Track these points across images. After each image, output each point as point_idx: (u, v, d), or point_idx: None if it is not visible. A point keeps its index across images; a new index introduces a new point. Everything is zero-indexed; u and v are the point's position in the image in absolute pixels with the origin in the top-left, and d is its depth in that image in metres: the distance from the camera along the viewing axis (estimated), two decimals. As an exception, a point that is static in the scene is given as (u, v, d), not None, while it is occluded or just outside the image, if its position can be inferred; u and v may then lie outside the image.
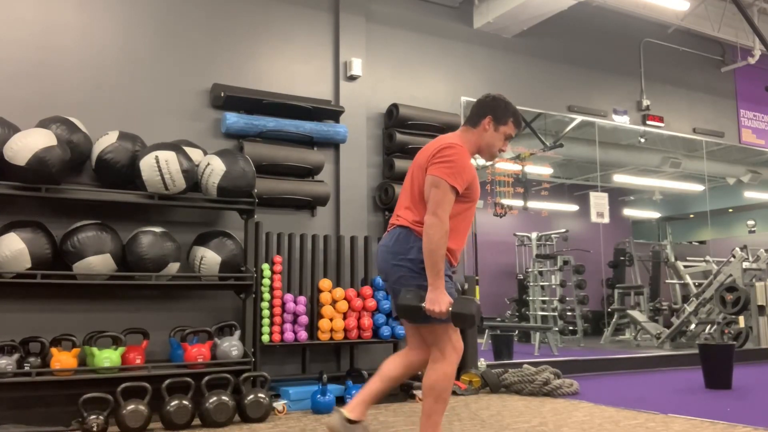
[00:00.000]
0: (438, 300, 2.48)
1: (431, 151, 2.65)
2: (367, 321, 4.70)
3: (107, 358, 3.72)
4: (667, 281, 9.61)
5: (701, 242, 10.21)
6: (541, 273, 8.93)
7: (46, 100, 4.21)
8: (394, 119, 5.45)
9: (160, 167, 3.92)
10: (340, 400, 4.37)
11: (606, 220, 7.29)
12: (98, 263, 3.82)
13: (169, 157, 3.96)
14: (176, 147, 4.06)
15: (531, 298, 8.96)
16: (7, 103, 4.08)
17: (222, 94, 4.71)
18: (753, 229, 10.21)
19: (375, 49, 5.64)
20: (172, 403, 3.65)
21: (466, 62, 6.20)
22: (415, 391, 4.65)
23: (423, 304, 2.50)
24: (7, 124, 3.80)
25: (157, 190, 3.98)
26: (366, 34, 5.57)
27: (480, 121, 2.75)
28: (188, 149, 4.22)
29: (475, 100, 2.87)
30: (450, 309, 2.48)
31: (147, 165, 3.92)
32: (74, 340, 3.80)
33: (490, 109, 2.76)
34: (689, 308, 8.13)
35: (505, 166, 7.16)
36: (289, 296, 4.53)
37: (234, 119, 4.70)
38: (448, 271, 2.63)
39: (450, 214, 2.56)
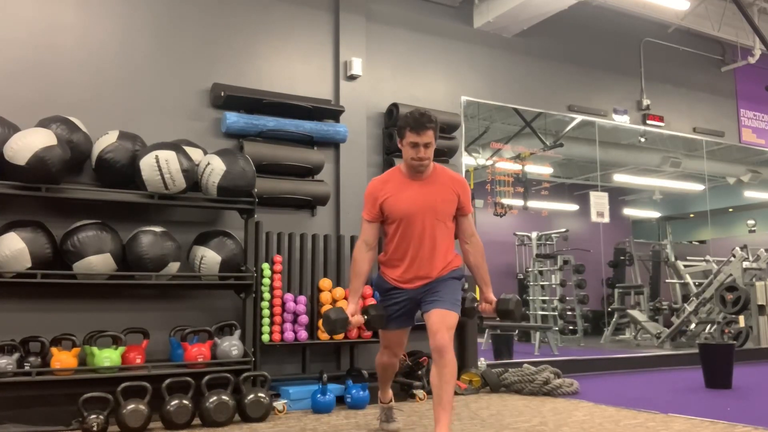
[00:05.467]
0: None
1: None
2: (367, 320, 4.70)
3: (107, 357, 3.72)
4: (667, 281, 9.60)
5: (701, 242, 10.21)
6: (541, 272, 8.93)
7: (46, 100, 4.21)
8: (394, 119, 5.44)
9: (160, 167, 3.92)
10: (340, 400, 4.37)
11: (606, 219, 7.29)
12: (98, 263, 3.82)
13: (169, 157, 3.95)
14: (176, 146, 4.06)
15: (531, 298, 8.96)
16: (7, 102, 4.07)
17: (222, 94, 4.71)
18: (753, 228, 10.21)
19: (375, 48, 5.64)
20: (172, 403, 3.65)
21: (466, 62, 6.20)
22: (415, 391, 4.64)
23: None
24: (7, 124, 3.80)
25: (157, 189, 3.98)
26: (366, 33, 5.57)
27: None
28: (188, 149, 4.22)
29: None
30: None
31: (147, 164, 3.92)
32: (74, 340, 3.79)
33: (396, 133, 3.22)
34: (689, 308, 8.13)
35: (505, 165, 7.16)
36: (289, 296, 4.53)
37: (234, 119, 4.70)
38: (386, 285, 3.24)
39: (386, 239, 3.23)
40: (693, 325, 8.21)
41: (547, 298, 8.81)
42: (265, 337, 4.34)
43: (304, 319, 4.51)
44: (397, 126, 3.16)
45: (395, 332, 3.31)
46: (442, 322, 2.99)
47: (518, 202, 7.32)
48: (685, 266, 9.31)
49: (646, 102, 7.39)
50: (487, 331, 7.42)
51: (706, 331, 8.17)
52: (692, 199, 9.51)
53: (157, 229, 4.08)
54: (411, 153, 3.09)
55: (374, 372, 3.61)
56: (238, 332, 4.19)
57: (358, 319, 3.12)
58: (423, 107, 5.62)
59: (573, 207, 9.28)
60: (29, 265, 3.66)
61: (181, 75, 4.73)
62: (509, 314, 3.19)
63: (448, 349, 2.94)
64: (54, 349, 3.67)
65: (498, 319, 3.32)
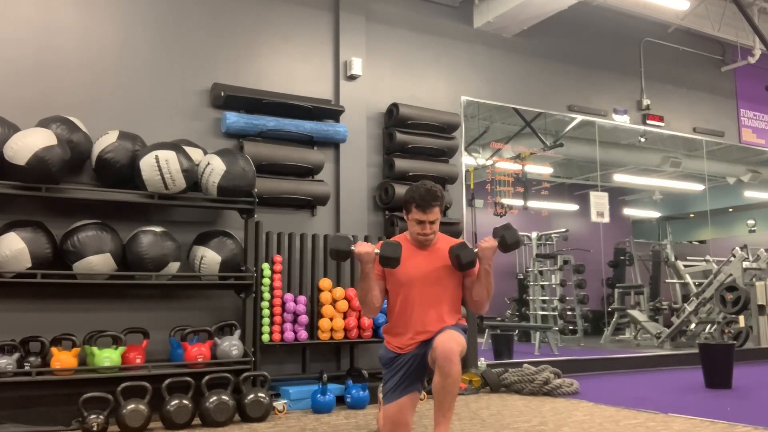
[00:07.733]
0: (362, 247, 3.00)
1: None
2: (367, 320, 4.70)
3: (107, 357, 3.72)
4: (667, 281, 9.60)
5: (701, 242, 10.20)
6: (541, 272, 8.93)
7: (46, 100, 4.21)
8: (394, 119, 5.44)
9: (160, 167, 3.92)
10: (340, 400, 4.37)
11: (606, 219, 7.29)
12: (98, 263, 3.82)
13: (169, 157, 3.95)
14: (176, 146, 4.06)
15: (531, 298, 8.95)
16: (7, 102, 4.07)
17: (222, 94, 4.71)
18: (753, 228, 10.20)
19: (375, 48, 5.64)
20: (172, 403, 3.65)
21: (466, 62, 6.20)
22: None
23: (352, 248, 3.00)
24: (7, 124, 3.80)
25: (157, 189, 3.98)
26: (366, 33, 5.57)
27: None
28: (188, 149, 4.22)
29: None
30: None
31: (147, 164, 3.92)
32: (74, 340, 3.79)
33: (403, 205, 3.16)
34: (689, 308, 8.13)
35: (506, 165, 7.16)
36: (289, 296, 4.53)
37: (234, 119, 4.70)
38: (391, 354, 3.13)
39: (389, 307, 3.15)
40: (693, 325, 8.21)
41: (547, 298, 8.81)
42: (265, 337, 4.34)
43: (304, 319, 4.51)
44: (404, 199, 3.11)
45: (402, 402, 3.03)
46: (450, 337, 2.89)
47: (518, 202, 7.32)
48: (685, 266, 9.31)
49: (646, 102, 7.39)
50: (487, 331, 7.42)
51: (706, 331, 8.17)
52: (692, 199, 9.51)
53: (157, 229, 4.08)
54: (417, 229, 3.08)
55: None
56: (238, 332, 4.19)
57: (367, 248, 2.96)
58: (426, 108, 5.71)
59: (573, 207, 9.27)
60: (29, 265, 3.66)
61: (181, 75, 4.73)
62: (506, 239, 2.98)
63: (455, 358, 2.81)
64: (54, 349, 3.67)
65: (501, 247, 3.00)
